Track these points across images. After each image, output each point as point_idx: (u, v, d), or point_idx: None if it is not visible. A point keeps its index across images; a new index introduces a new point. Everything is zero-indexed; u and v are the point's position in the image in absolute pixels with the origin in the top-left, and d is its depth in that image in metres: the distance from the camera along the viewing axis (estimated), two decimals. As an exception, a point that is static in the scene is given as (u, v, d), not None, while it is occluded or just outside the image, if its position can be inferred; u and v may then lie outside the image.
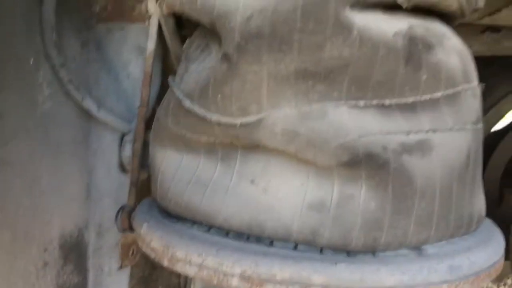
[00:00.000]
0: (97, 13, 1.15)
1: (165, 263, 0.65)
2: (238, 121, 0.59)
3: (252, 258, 0.59)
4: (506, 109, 2.51)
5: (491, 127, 2.58)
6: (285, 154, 0.61)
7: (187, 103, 0.63)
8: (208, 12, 0.59)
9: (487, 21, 1.74)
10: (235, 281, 0.59)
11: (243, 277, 0.59)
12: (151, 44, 1.01)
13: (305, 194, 0.60)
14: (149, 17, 1.02)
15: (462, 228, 0.65)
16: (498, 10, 1.71)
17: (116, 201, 1.22)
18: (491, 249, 0.66)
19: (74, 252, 1.21)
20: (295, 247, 0.62)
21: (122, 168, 1.20)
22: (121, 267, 0.97)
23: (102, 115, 1.11)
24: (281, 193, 0.61)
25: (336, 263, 0.58)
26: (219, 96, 0.59)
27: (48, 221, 1.11)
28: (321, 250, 0.61)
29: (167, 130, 0.69)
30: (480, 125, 0.67)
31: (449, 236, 0.64)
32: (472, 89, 0.65)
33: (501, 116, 2.57)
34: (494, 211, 2.40)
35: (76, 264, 1.22)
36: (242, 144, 0.63)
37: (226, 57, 0.58)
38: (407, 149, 0.59)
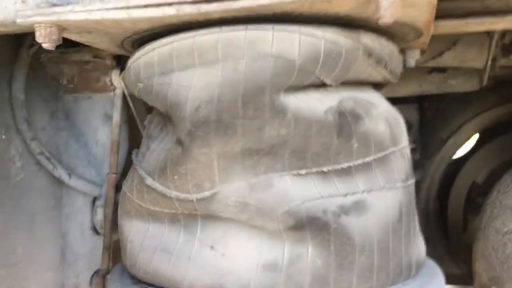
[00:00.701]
0: (64, 85, 1.22)
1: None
2: (194, 197, 0.66)
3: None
4: (464, 138, 2.64)
5: (451, 156, 2.71)
6: (241, 222, 0.69)
7: (149, 181, 0.70)
8: (162, 102, 0.68)
9: (433, 64, 1.88)
10: None
11: (208, 337, 0.65)
12: (116, 114, 1.08)
13: (259, 256, 0.68)
14: (114, 88, 1.10)
15: (402, 276, 0.73)
16: (441, 53, 1.86)
17: (91, 262, 1.27)
18: (430, 291, 0.75)
19: (53, 317, 1.24)
20: (254, 306, 0.68)
21: (95, 230, 1.25)
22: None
23: (73, 182, 1.17)
24: (238, 256, 0.68)
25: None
26: (175, 176, 0.66)
27: (26, 288, 1.15)
28: (277, 307, 0.68)
29: (133, 203, 0.76)
30: (410, 182, 0.76)
31: (390, 284, 0.72)
32: (400, 151, 0.74)
33: (460, 145, 2.71)
34: (459, 237, 2.50)
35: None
36: (200, 213, 0.70)
37: (179, 142, 0.66)
38: (344, 210, 0.67)
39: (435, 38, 1.83)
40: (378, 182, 0.71)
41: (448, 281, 2.36)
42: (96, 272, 1.10)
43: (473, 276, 1.70)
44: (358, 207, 0.68)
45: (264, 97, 0.63)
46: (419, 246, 0.79)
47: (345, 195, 0.69)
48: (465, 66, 1.86)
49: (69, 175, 1.16)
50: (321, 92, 0.71)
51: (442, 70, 2.06)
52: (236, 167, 0.66)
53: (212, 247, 0.70)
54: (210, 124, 0.63)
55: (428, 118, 2.59)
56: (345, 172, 0.70)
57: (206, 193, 0.66)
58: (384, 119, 0.74)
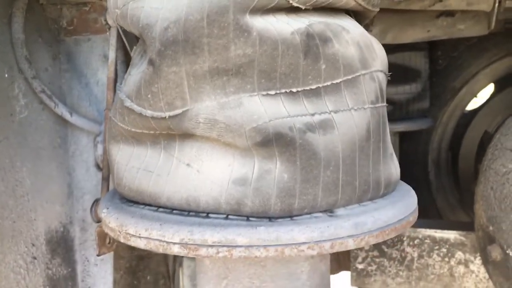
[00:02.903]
0: (65, 27, 1.27)
1: (121, 239, 0.77)
2: (167, 114, 0.71)
3: (189, 228, 0.71)
4: (478, 87, 2.62)
5: (465, 106, 2.70)
6: (214, 140, 0.73)
7: (127, 102, 0.75)
8: (136, 26, 0.71)
9: (439, 7, 1.85)
10: (176, 248, 0.71)
11: (182, 245, 0.70)
12: (112, 53, 1.12)
13: (231, 172, 0.72)
14: (109, 28, 1.14)
15: (369, 192, 0.77)
16: (447, -5, 1.82)
17: (96, 197, 1.35)
18: (398, 208, 0.78)
19: (61, 246, 1.33)
20: (227, 217, 0.73)
21: (98, 167, 1.32)
22: (98, 255, 1.09)
23: (75, 120, 1.23)
24: (212, 172, 0.73)
25: (256, 227, 0.70)
26: (149, 95, 0.71)
27: (33, 219, 1.23)
28: (248, 218, 0.73)
29: (117, 127, 0.80)
30: (380, 104, 0.78)
31: (357, 199, 0.76)
32: (370, 74, 0.77)
33: (474, 94, 2.68)
34: (470, 186, 2.51)
35: (63, 257, 1.34)
36: (177, 133, 0.75)
37: (151, 62, 0.69)
38: (310, 128, 0.71)
39: (441, -21, 1.80)
40: (346, 103, 0.74)
41: (459, 228, 2.39)
42: (95, 201, 1.17)
43: (473, 217, 1.73)
44: (325, 125, 0.72)
45: (228, 16, 0.66)
46: (391, 167, 0.82)
47: (313, 114, 0.72)
48: (472, 9, 1.82)
49: (71, 113, 1.22)
50: (291, 16, 0.73)
51: (450, 14, 2.02)
52: (206, 86, 0.69)
53: (188, 165, 0.75)
54: (178, 43, 0.67)
55: (441, 67, 2.57)
56: (314, 93, 0.73)
57: (178, 111, 0.70)
58: (355, 43, 0.76)
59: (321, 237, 0.70)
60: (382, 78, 0.80)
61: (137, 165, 0.80)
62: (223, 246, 0.69)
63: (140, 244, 0.74)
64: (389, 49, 2.29)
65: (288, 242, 0.69)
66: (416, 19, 2.01)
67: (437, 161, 2.68)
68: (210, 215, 0.74)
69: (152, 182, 0.77)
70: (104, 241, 1.12)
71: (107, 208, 0.82)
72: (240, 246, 0.69)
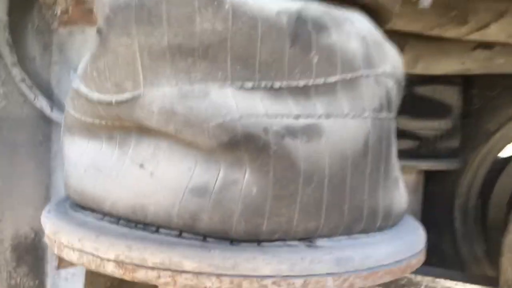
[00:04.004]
0: (59, 16, 1.17)
1: (55, 250, 0.64)
2: (114, 98, 0.57)
3: (127, 242, 0.57)
4: (512, 133, 2.42)
5: (499, 151, 2.50)
6: (175, 138, 0.59)
7: (75, 83, 0.62)
8: None
9: (476, 36, 1.69)
10: (110, 267, 0.57)
11: (117, 263, 0.56)
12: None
13: (190, 178, 0.58)
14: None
15: (361, 222, 0.61)
16: (487, 25, 1.67)
17: (74, 203, 1.22)
18: (397, 246, 0.62)
19: (30, 254, 1.20)
20: (180, 235, 0.59)
21: (80, 170, 1.19)
22: (58, 268, 0.96)
23: (55, 115, 1.12)
24: (167, 177, 0.59)
25: (210, 250, 0.55)
26: (94, 72, 0.58)
27: (-2, 221, 1.11)
28: (205, 238, 0.58)
29: (69, 115, 0.68)
30: (386, 114, 0.63)
31: (345, 229, 0.60)
32: (375, 76, 0.62)
33: (509, 140, 2.48)
34: (499, 238, 2.30)
35: (31, 267, 1.21)
36: (131, 125, 0.62)
37: (98, 31, 0.57)
38: (291, 132, 0.56)
39: (480, 7, 1.65)
40: (341, 107, 0.59)
41: (484, 283, 2.17)
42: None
43: (498, 271, 1.55)
44: (310, 131, 0.57)
45: (195, -20, 0.53)
46: (393, 194, 0.67)
47: (297, 117, 0.57)
48: (513, 42, 1.66)
49: (51, 107, 1.11)
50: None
51: (488, 47, 1.86)
52: (165, 68, 0.56)
53: (141, 165, 0.61)
54: (131, 9, 0.54)
55: (475, 106, 2.39)
56: (302, 92, 0.59)
57: (127, 95, 0.57)
58: (359, 36, 0.62)
59: (291, 271, 0.54)
60: (392, 85, 0.66)
61: (87, 162, 0.67)
62: (166, 270, 0.55)
63: (73, 257, 0.61)
64: (420, 80, 2.14)
65: (248, 273, 0.54)
66: (450, 49, 1.86)
67: (464, 207, 2.47)
68: (161, 230, 0.60)
69: (98, 183, 0.64)
70: (67, 252, 0.98)
71: (49, 212, 0.69)
72: (187, 272, 0.54)
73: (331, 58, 0.59)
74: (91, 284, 1.38)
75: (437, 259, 2.36)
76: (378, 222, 0.64)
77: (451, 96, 2.17)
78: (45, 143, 1.20)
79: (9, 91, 1.09)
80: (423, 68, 1.91)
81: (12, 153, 1.12)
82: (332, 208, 0.58)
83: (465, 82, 2.24)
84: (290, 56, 0.57)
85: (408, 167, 2.12)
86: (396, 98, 0.67)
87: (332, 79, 0.59)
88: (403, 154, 1.74)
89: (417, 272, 2.15)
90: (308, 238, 0.59)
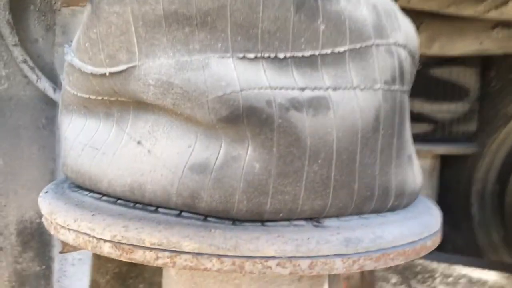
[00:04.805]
0: (62, -4, 1.14)
1: (52, 231, 0.61)
2: (108, 70, 0.54)
3: (124, 222, 0.54)
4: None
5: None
6: (174, 114, 0.56)
7: (69, 56, 0.59)
8: None
9: (494, 15, 1.63)
10: (106, 248, 0.54)
11: (114, 243, 0.54)
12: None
13: (190, 155, 0.55)
14: None
15: (372, 201, 0.58)
16: (505, 2, 1.61)
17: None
18: (411, 227, 0.59)
19: (36, 239, 1.19)
20: (179, 214, 0.56)
21: (84, 153, 1.17)
22: (61, 252, 0.94)
23: (58, 96, 1.09)
24: (165, 154, 0.56)
25: (211, 229, 0.52)
26: (87, 43, 0.55)
27: (3, 205, 1.10)
28: (205, 218, 0.55)
29: (67, 93, 0.65)
30: (398, 87, 0.59)
31: (355, 208, 0.57)
32: (387, 46, 0.58)
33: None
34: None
35: (37, 252, 1.19)
36: (128, 101, 0.58)
37: (90, 0, 0.54)
38: (296, 105, 0.53)
39: (499, -17, 1.58)
40: (350, 79, 0.56)
41: (500, 269, 2.13)
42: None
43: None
44: (317, 104, 0.53)
45: None
46: (407, 172, 0.63)
47: (303, 88, 0.54)
48: (534, 19, 1.60)
49: (54, 89, 1.08)
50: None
51: (507, 25, 1.80)
52: (161, 38, 0.53)
53: (139, 142, 0.58)
54: (123, -27, 0.51)
55: (494, 89, 2.32)
56: (308, 62, 0.55)
57: (122, 67, 0.54)
58: (369, 4, 0.58)
59: (296, 252, 0.51)
60: (405, 56, 0.61)
61: (85, 141, 0.64)
62: (165, 250, 0.52)
63: (69, 238, 0.58)
64: (436, 62, 2.08)
65: (250, 254, 0.51)
66: (468, 28, 1.80)
67: (482, 193, 2.41)
68: (160, 209, 0.57)
69: (95, 161, 0.61)
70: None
71: (46, 192, 0.67)
72: (187, 253, 0.51)
73: (339, 26, 0.55)
74: (98, 269, 1.37)
75: (452, 245, 2.32)
76: (390, 201, 0.60)
77: (468, 78, 2.11)
78: (48, 127, 1.18)
79: (11, 73, 1.07)
80: (439, 48, 1.85)
81: (15, 136, 1.10)
82: (340, 186, 0.55)
83: (483, 63, 2.17)
84: (294, 24, 0.53)
85: (423, 152, 2.07)
86: (410, 70, 0.63)
87: (340, 48, 0.55)
88: (418, 138, 1.69)
89: (432, 258, 2.11)
90: (315, 218, 0.56)
